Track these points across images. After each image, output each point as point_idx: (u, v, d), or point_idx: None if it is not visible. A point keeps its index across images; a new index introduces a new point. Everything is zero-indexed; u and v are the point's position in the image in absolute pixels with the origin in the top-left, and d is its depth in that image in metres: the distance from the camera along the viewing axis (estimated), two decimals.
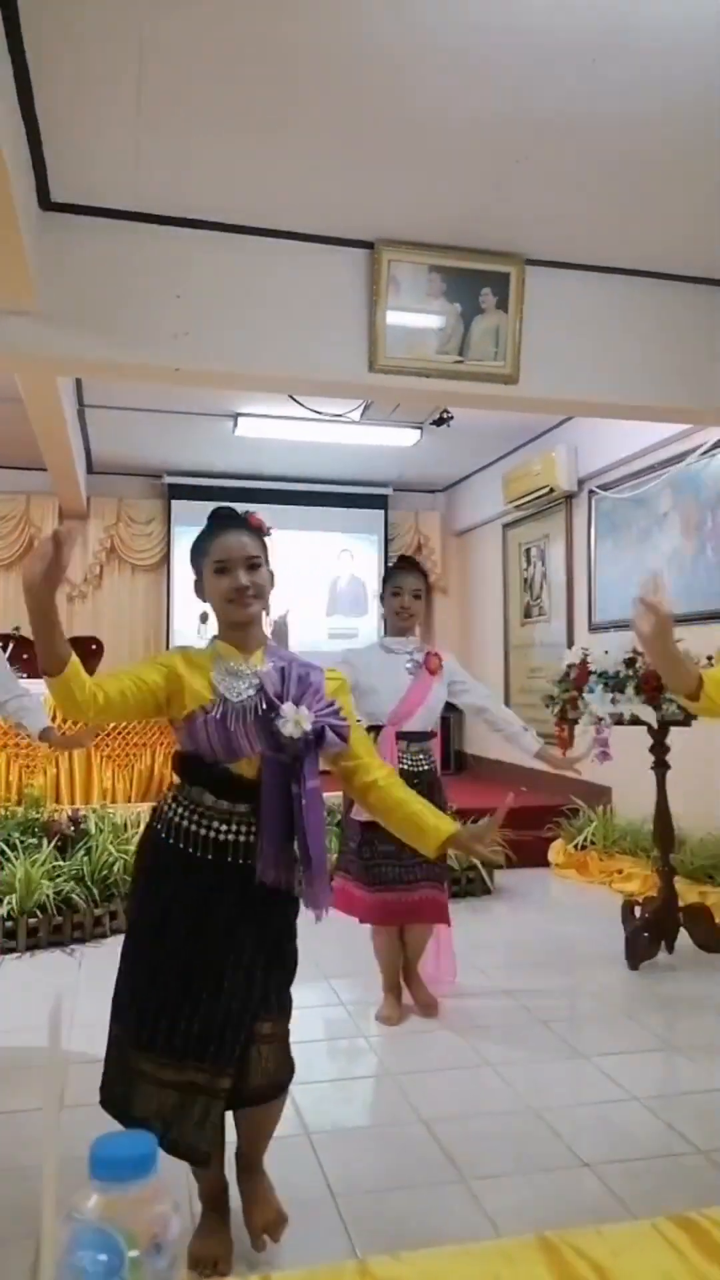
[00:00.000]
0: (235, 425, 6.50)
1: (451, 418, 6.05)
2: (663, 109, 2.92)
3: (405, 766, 3.31)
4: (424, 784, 3.34)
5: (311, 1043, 3.12)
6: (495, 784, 7.21)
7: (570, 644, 6.12)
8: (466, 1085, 2.90)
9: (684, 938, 4.06)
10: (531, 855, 5.73)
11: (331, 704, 1.94)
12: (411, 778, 3.31)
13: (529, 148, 3.14)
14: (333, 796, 5.47)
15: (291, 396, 5.37)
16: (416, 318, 3.85)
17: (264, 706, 1.87)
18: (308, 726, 1.86)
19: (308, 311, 3.75)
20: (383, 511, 8.55)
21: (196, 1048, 1.83)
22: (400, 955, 3.44)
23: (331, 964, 3.81)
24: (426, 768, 3.38)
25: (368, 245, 3.76)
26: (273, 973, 1.95)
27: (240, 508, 2.06)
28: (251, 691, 1.90)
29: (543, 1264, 0.74)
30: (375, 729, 3.32)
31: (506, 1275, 0.74)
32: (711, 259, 3.98)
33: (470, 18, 2.53)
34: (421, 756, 3.37)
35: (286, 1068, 2.00)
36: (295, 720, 1.85)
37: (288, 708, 1.86)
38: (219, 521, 2.00)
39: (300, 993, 2.07)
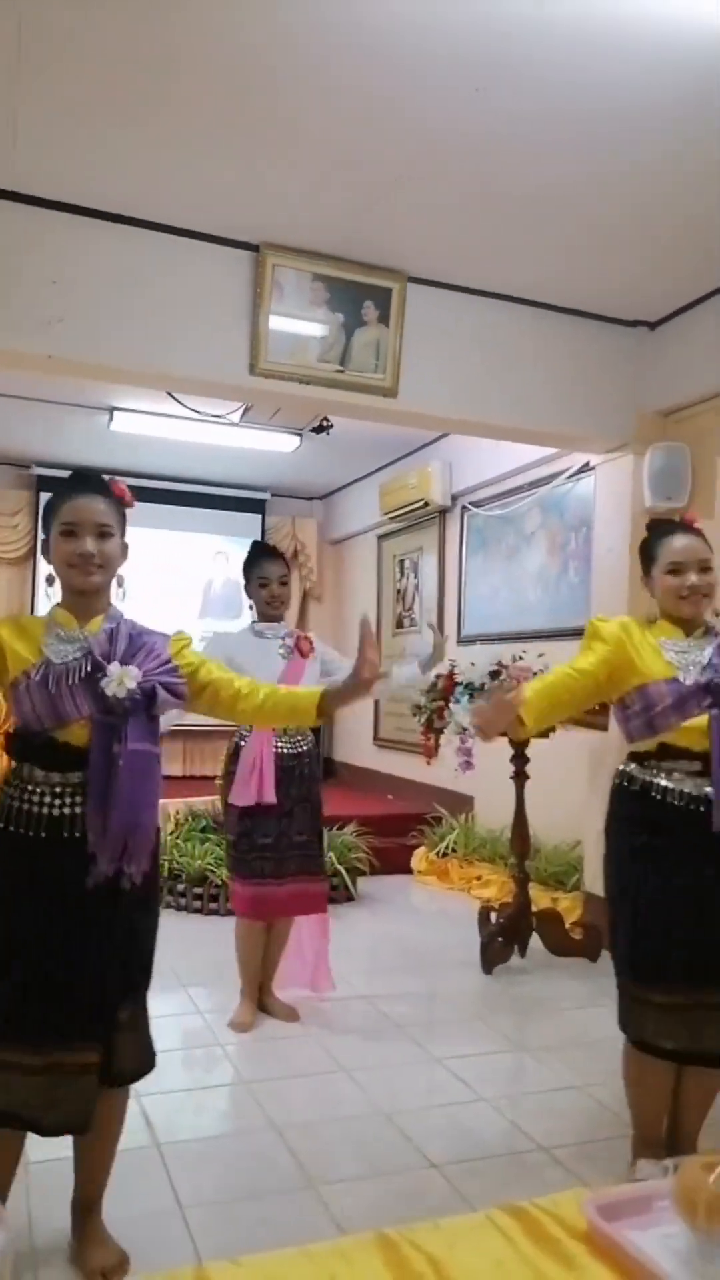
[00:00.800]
0: (111, 419, 6.33)
1: (331, 426, 6.08)
2: (542, 143, 3.03)
3: (284, 749, 3.31)
4: (305, 767, 3.35)
5: (167, 1052, 3.05)
6: (364, 791, 7.28)
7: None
8: (320, 1091, 2.91)
9: (536, 942, 4.21)
10: (395, 862, 5.81)
11: (167, 662, 1.89)
12: (290, 760, 3.32)
13: (409, 167, 3.21)
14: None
15: (170, 394, 5.28)
16: (299, 324, 3.86)
17: (89, 668, 1.81)
18: (132, 684, 1.79)
19: (189, 309, 3.70)
20: (260, 516, 8.50)
21: (58, 1032, 1.77)
22: (260, 957, 3.42)
23: (189, 972, 3.75)
24: (306, 748, 3.39)
25: (253, 248, 3.74)
26: (131, 957, 1.89)
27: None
28: (79, 654, 1.83)
29: (380, 1260, 0.75)
30: None
31: (344, 1274, 0.75)
32: (584, 292, 4.17)
33: (348, 39, 2.56)
34: (300, 738, 3.38)
35: (147, 1055, 1.96)
36: (120, 679, 1.79)
37: (113, 667, 1.80)
38: (76, 482, 1.92)
39: (157, 1002, 2.02)
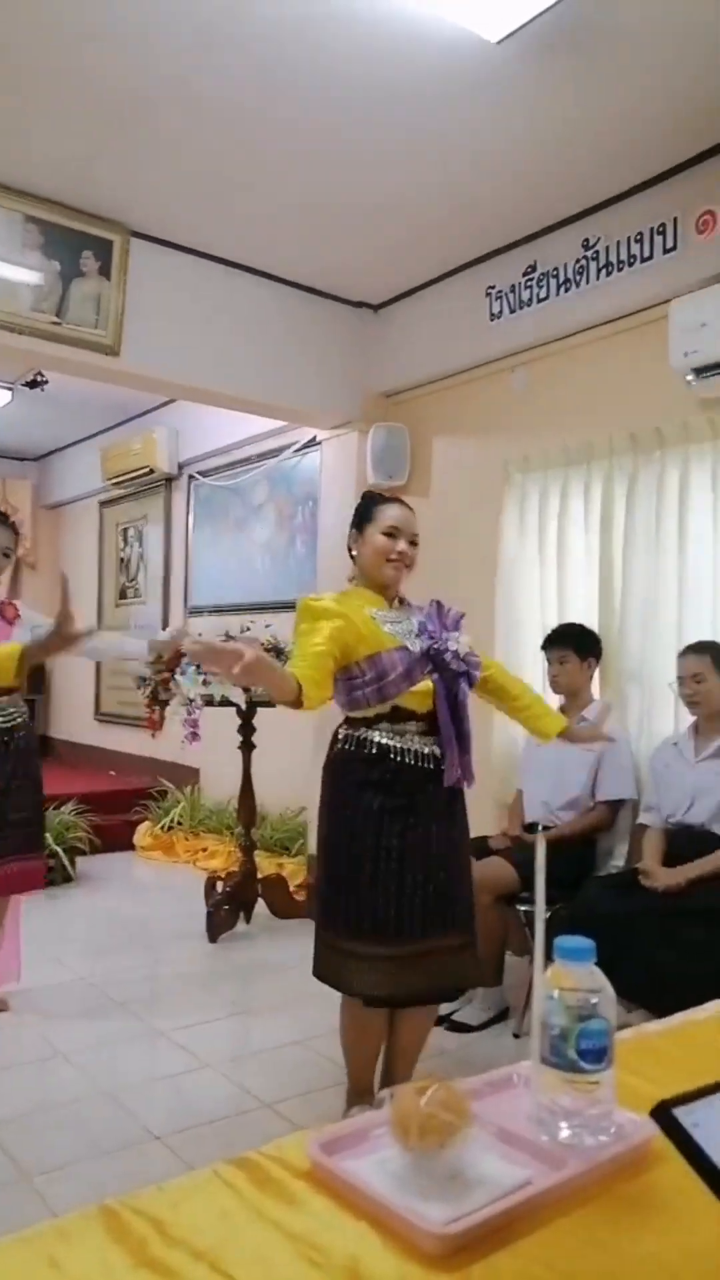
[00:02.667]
0: None
1: (46, 381, 5.71)
2: (260, 105, 3.00)
3: None
4: (19, 741, 3.15)
5: None
6: (85, 768, 6.99)
7: (165, 626, 6.13)
8: (36, 1079, 2.78)
9: (261, 907, 4.29)
10: (118, 839, 5.65)
11: None
12: (3, 737, 3.10)
13: (134, 116, 3.07)
14: None
15: None
16: (9, 269, 3.57)
17: None
18: None
19: None
20: None
21: None
22: None
23: None
24: (20, 720, 3.17)
25: None
26: None
27: None
28: None
29: (101, 1232, 0.72)
30: None
31: (63, 1254, 0.72)
32: (313, 269, 4.23)
33: None
34: (12, 710, 3.16)
35: None
36: None
37: None
38: None
39: None
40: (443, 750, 2.27)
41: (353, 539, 2.43)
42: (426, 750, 2.29)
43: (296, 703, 2.03)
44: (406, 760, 2.27)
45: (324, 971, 2.33)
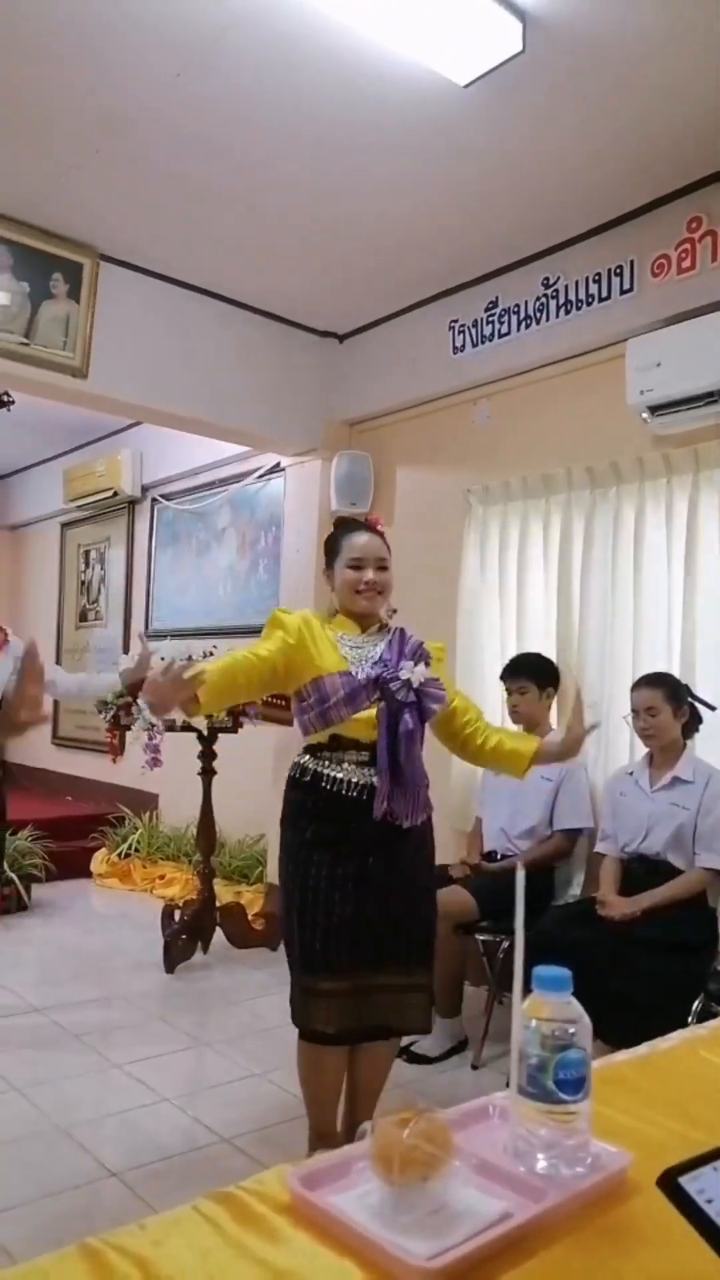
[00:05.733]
0: None
1: (13, 401, 5.67)
2: (233, 137, 3.05)
3: None
4: None
5: None
6: (41, 794, 6.87)
7: (126, 649, 6.08)
8: None
9: (219, 936, 4.23)
10: (74, 866, 5.55)
11: None
12: None
13: (108, 141, 3.09)
14: None
15: None
16: None
17: None
18: None
19: None
20: None
21: None
22: None
23: None
24: None
25: None
26: None
27: None
28: None
29: (85, 1273, 0.71)
30: None
31: None
32: (278, 298, 4.28)
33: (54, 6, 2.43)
34: None
35: None
36: None
37: None
38: None
39: None
40: (381, 781, 2.21)
41: (326, 575, 2.43)
42: (362, 780, 2.22)
43: (189, 705, 2.04)
44: (338, 790, 2.22)
45: (291, 1006, 2.28)
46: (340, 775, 2.23)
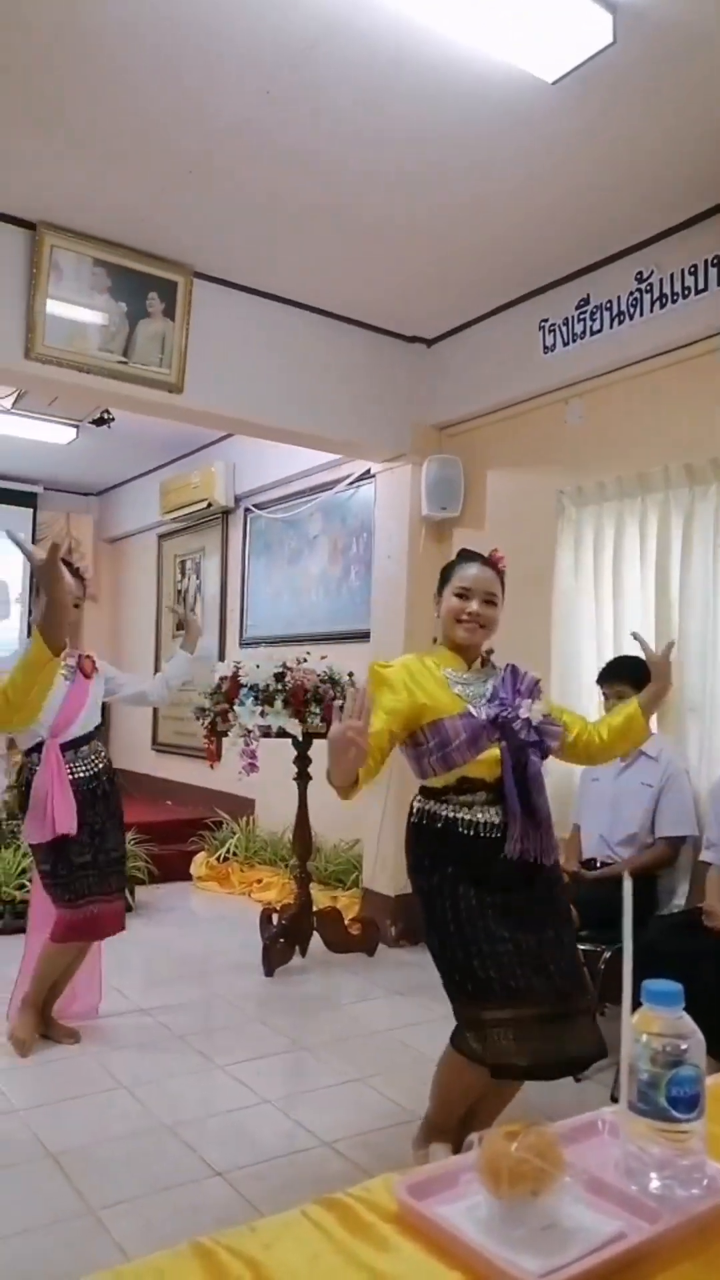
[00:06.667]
0: None
1: (113, 419, 5.87)
2: (322, 147, 3.08)
3: (80, 774, 3.15)
4: (103, 785, 3.22)
5: None
6: (143, 798, 7.06)
7: (222, 657, 6.20)
8: (98, 1111, 2.78)
9: (316, 941, 4.27)
10: (174, 870, 5.69)
11: None
12: (90, 784, 3.16)
13: (203, 159, 3.16)
14: None
15: None
16: (79, 310, 3.69)
17: None
18: None
19: None
20: (31, 510, 8.04)
21: None
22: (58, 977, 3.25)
23: None
24: (101, 765, 3.26)
25: (29, 225, 3.54)
26: None
27: None
28: None
29: (198, 1271, 0.72)
30: (36, 748, 3.12)
31: None
32: (366, 305, 4.30)
33: (142, 29, 2.51)
34: (94, 758, 3.24)
35: None
36: None
37: None
38: None
39: None
40: (510, 822, 2.18)
41: (435, 601, 2.42)
42: (492, 820, 2.20)
43: (345, 793, 2.05)
44: (475, 833, 2.20)
45: (459, 1042, 2.17)
46: (470, 818, 2.21)
